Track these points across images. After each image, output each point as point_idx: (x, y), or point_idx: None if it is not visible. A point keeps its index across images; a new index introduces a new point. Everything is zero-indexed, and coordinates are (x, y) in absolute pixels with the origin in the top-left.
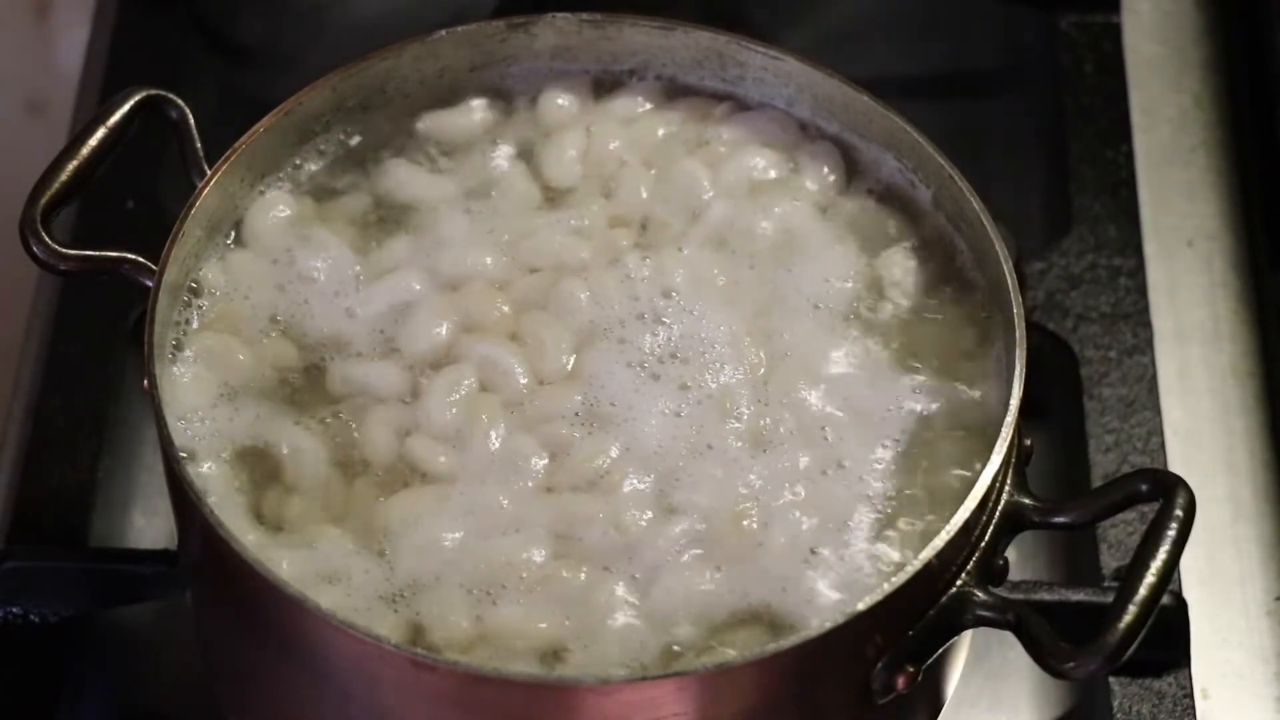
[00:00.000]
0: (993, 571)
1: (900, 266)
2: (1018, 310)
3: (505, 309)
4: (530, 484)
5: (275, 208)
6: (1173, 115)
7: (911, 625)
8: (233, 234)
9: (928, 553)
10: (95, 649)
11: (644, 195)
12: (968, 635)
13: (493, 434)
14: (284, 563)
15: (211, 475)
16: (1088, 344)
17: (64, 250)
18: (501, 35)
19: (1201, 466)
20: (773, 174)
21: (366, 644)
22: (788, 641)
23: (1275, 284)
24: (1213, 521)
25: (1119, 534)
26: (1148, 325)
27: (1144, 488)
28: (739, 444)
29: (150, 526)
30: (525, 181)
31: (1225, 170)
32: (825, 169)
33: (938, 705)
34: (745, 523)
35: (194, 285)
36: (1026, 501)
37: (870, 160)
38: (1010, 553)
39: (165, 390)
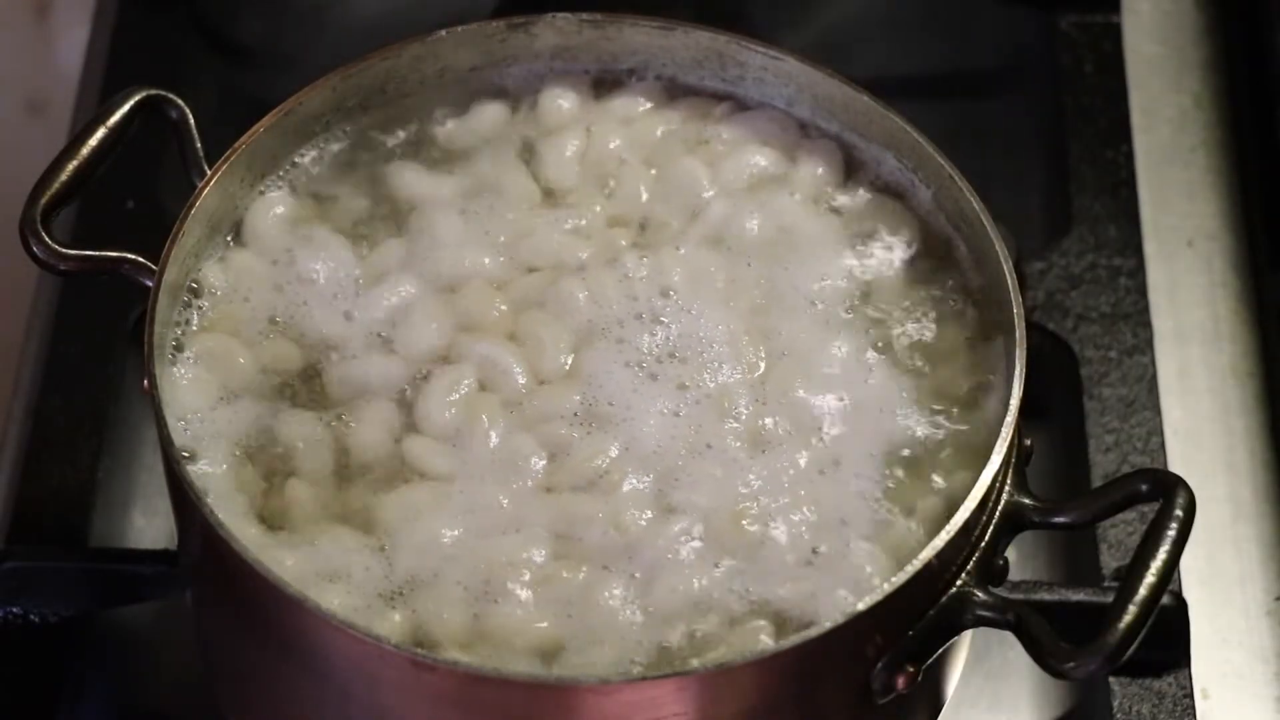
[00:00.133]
0: (993, 571)
1: (899, 266)
2: (1018, 310)
3: (503, 309)
4: (530, 484)
5: (275, 208)
6: (1173, 115)
7: (911, 625)
8: (232, 234)
9: (928, 553)
10: (95, 649)
11: (643, 195)
12: (968, 635)
13: (492, 434)
14: (287, 560)
15: (211, 475)
16: (1088, 344)
17: (64, 250)
18: (501, 35)
19: (1201, 466)
20: (772, 173)
21: (366, 644)
22: (788, 641)
23: (1275, 284)
24: (1213, 521)
25: (1119, 534)
26: (1148, 325)
27: (1144, 488)
28: (738, 443)
29: (150, 526)
30: (524, 181)
31: (1225, 170)
32: (824, 169)
33: (938, 705)
34: (745, 522)
35: (194, 285)
36: (1026, 501)
37: (870, 160)
38: (1010, 553)
39: (165, 390)
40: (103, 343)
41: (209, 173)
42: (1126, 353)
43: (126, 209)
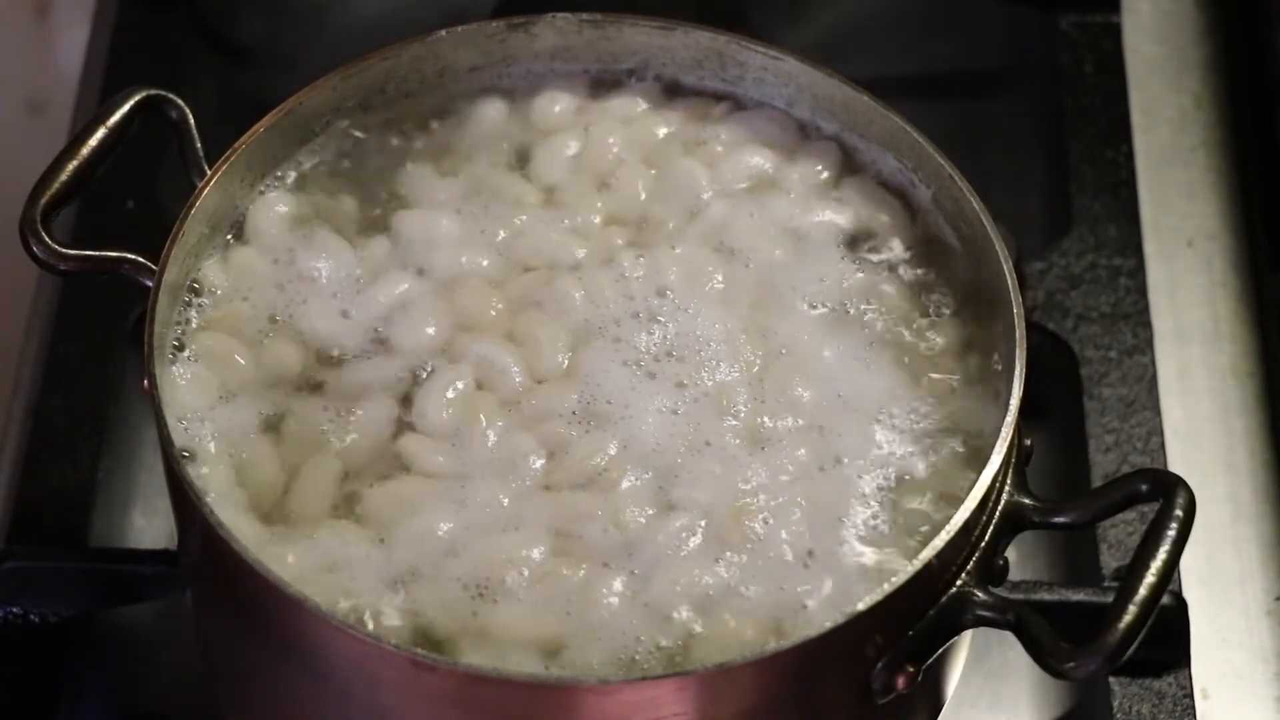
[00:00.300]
0: (993, 571)
1: (898, 265)
2: (1018, 310)
3: (500, 308)
4: (529, 482)
5: (275, 207)
6: (1173, 115)
7: (911, 625)
8: (233, 234)
9: (928, 553)
10: (95, 649)
11: (641, 194)
12: (968, 635)
13: (490, 432)
14: (288, 556)
15: (211, 475)
16: (1088, 344)
17: (64, 250)
18: (501, 35)
19: (1201, 466)
20: (771, 173)
21: (366, 644)
22: (788, 641)
23: (1275, 284)
24: (1213, 521)
25: (1119, 534)
26: (1148, 325)
27: (1144, 488)
28: (737, 441)
29: (150, 526)
30: (522, 181)
31: (1225, 170)
32: (824, 168)
33: (938, 705)
34: (745, 520)
35: (194, 285)
36: (1026, 501)
37: (870, 160)
38: (1010, 553)
39: (165, 390)
40: (103, 343)
41: (209, 173)
42: (1126, 353)
43: (126, 209)
